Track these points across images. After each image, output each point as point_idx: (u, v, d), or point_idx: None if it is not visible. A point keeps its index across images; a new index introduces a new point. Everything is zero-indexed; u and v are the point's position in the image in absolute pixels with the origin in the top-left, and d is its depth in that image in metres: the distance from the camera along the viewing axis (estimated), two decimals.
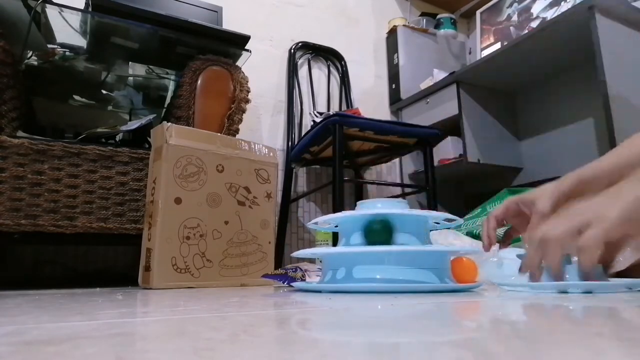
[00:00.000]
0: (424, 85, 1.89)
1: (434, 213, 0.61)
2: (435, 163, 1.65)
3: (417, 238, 0.60)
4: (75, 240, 1.27)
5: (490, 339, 0.24)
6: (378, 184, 1.86)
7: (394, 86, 2.02)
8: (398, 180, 1.97)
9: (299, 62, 1.90)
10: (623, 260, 0.57)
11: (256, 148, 1.04)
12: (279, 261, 1.52)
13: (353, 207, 0.68)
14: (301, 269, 0.80)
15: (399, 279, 0.56)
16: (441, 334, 0.26)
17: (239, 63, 1.23)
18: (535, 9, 1.63)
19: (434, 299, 0.46)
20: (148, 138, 1.07)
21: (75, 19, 1.14)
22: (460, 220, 0.64)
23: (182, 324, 0.31)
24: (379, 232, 0.58)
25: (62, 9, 1.08)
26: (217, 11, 1.51)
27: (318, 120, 1.60)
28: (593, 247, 0.44)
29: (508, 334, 0.26)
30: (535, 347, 0.21)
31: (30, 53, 1.14)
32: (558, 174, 0.78)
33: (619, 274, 0.60)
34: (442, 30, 2.10)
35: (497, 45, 1.76)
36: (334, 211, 1.25)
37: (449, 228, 0.74)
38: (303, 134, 1.64)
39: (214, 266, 0.91)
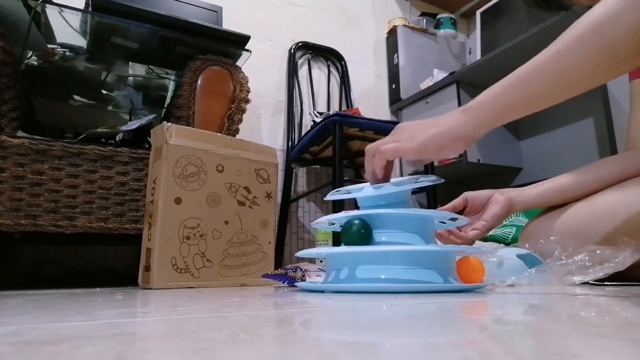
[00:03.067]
0: (424, 85, 1.89)
1: (439, 212, 0.61)
2: (435, 163, 1.65)
3: (422, 237, 0.60)
4: (75, 240, 1.27)
5: (492, 339, 0.24)
6: None
7: (394, 86, 2.02)
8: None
9: (299, 62, 1.90)
10: (622, 261, 0.57)
11: (256, 148, 1.04)
12: (279, 261, 1.52)
13: (354, 207, 0.68)
14: (301, 269, 0.80)
15: (403, 279, 0.55)
16: (444, 334, 0.26)
17: (239, 63, 1.23)
18: None
19: (438, 299, 0.46)
20: (148, 138, 1.07)
21: (75, 19, 1.14)
22: (465, 220, 0.64)
23: (182, 324, 0.31)
24: (356, 233, 0.58)
25: (62, 9, 1.08)
26: (217, 11, 1.51)
27: (318, 120, 1.60)
28: (387, 154, 0.57)
29: (509, 334, 0.26)
30: (535, 347, 0.21)
31: (30, 53, 1.14)
32: (558, 174, 0.78)
33: (619, 275, 0.60)
34: (442, 30, 2.10)
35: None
36: (334, 211, 1.25)
37: (455, 227, 0.74)
38: (303, 134, 1.64)
39: (214, 266, 0.91)
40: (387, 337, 0.24)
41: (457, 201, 0.70)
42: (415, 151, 0.56)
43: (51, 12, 1.10)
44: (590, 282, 0.61)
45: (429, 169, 1.47)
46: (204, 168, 0.93)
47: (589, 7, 0.51)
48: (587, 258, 0.60)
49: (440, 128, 0.57)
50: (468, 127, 0.56)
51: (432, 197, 1.46)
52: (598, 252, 0.59)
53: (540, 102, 0.55)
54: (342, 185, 1.28)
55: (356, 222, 0.58)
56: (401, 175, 1.97)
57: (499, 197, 0.72)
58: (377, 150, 0.58)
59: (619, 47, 0.49)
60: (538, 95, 0.55)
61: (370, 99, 2.04)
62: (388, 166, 0.60)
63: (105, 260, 1.41)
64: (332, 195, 0.67)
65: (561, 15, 1.40)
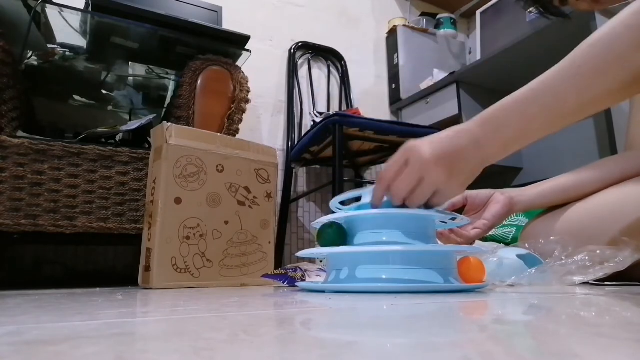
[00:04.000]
0: (424, 85, 1.89)
1: (440, 213, 0.61)
2: None
3: (423, 237, 0.59)
4: (75, 240, 1.27)
5: (492, 339, 0.24)
6: None
7: (394, 86, 2.02)
8: None
9: (299, 62, 1.90)
10: (622, 261, 0.58)
11: (256, 148, 1.04)
12: (279, 261, 1.52)
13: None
14: (301, 269, 0.80)
15: (403, 279, 0.55)
16: (444, 334, 0.26)
17: (239, 63, 1.23)
18: None
19: (438, 299, 0.46)
20: (148, 138, 1.07)
21: (75, 19, 1.14)
22: (466, 220, 0.64)
23: (182, 324, 0.31)
24: (330, 236, 0.59)
25: (62, 9, 1.08)
26: (217, 11, 1.51)
27: (318, 120, 1.60)
28: (420, 198, 0.54)
29: (509, 334, 0.26)
30: (535, 347, 0.21)
31: (30, 53, 1.14)
32: (558, 174, 0.78)
33: (619, 275, 0.60)
34: (442, 30, 2.10)
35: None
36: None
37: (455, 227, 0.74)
38: (303, 134, 1.64)
39: (214, 266, 0.91)
40: (387, 337, 0.24)
41: (457, 199, 0.69)
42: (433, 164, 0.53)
43: (51, 12, 1.10)
44: (590, 282, 0.61)
45: None
46: (204, 168, 0.93)
47: (588, 11, 0.50)
48: (587, 258, 0.60)
49: (447, 133, 0.55)
50: (477, 132, 0.54)
51: None
52: (598, 252, 0.59)
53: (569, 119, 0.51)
54: (342, 185, 1.28)
55: (330, 227, 0.60)
56: None
57: (499, 197, 0.72)
58: (411, 200, 0.54)
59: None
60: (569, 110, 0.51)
61: (370, 99, 2.03)
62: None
63: (105, 260, 1.41)
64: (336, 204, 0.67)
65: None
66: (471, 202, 0.74)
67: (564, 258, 0.62)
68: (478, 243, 0.92)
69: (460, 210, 0.76)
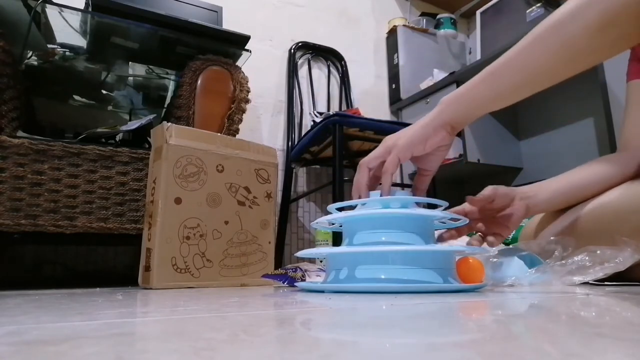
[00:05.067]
0: (424, 85, 1.89)
1: (439, 212, 0.61)
2: None
3: (422, 237, 0.59)
4: (75, 240, 1.27)
5: (492, 339, 0.24)
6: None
7: (394, 86, 2.02)
8: (398, 180, 1.97)
9: (299, 62, 1.90)
10: (623, 261, 0.58)
11: (256, 148, 1.04)
12: (279, 261, 1.52)
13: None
14: (301, 269, 0.80)
15: (403, 279, 0.55)
16: (444, 334, 0.26)
17: (239, 63, 1.23)
18: None
19: (438, 299, 0.46)
20: (148, 138, 1.07)
21: (75, 19, 1.14)
22: (465, 220, 0.64)
23: (182, 324, 0.31)
24: None
25: (62, 9, 1.08)
26: (217, 11, 1.51)
27: (318, 120, 1.60)
28: (390, 169, 0.60)
29: (509, 334, 0.26)
30: (535, 347, 0.21)
31: (30, 53, 1.14)
32: (558, 174, 0.78)
33: (619, 275, 0.60)
34: (442, 30, 2.10)
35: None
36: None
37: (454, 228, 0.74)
38: (303, 134, 1.64)
39: (214, 266, 0.91)
40: (387, 337, 0.24)
41: (487, 194, 0.67)
42: (404, 147, 0.60)
43: (51, 12, 1.10)
44: (590, 282, 0.61)
45: None
46: (204, 168, 0.93)
47: None
48: (587, 258, 0.60)
49: (422, 121, 0.62)
50: (446, 116, 0.61)
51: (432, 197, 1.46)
52: (598, 252, 0.59)
53: (508, 96, 0.59)
54: (342, 185, 1.28)
55: None
56: (401, 176, 1.97)
57: (519, 206, 0.70)
58: (384, 172, 0.61)
59: (578, 44, 0.52)
60: (506, 89, 0.58)
61: (370, 99, 2.03)
62: (386, 177, 0.62)
63: (105, 260, 1.41)
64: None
65: None
66: (497, 201, 0.70)
67: (564, 258, 0.62)
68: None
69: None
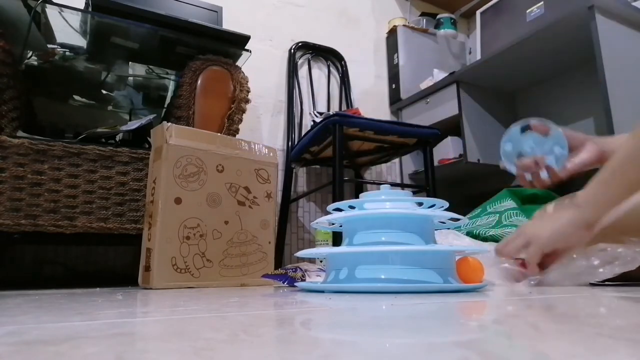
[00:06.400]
0: (424, 85, 1.89)
1: (439, 212, 0.61)
2: (435, 163, 1.65)
3: (422, 237, 0.59)
4: (75, 240, 1.27)
5: (492, 339, 0.24)
6: (378, 183, 1.86)
7: (394, 86, 2.02)
8: (398, 180, 1.97)
9: (299, 62, 1.90)
10: (631, 260, 0.57)
11: (256, 148, 1.04)
12: (279, 261, 1.52)
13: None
14: (301, 269, 0.80)
15: (403, 279, 0.55)
16: (444, 334, 0.26)
17: (239, 63, 1.23)
18: None
19: (438, 299, 0.46)
20: (148, 138, 1.07)
21: (75, 19, 1.14)
22: (465, 220, 0.64)
23: (182, 324, 0.31)
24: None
25: (62, 9, 1.08)
26: (217, 11, 1.51)
27: (318, 120, 1.59)
28: (533, 259, 0.66)
29: (509, 334, 0.26)
30: (535, 347, 0.21)
31: (30, 53, 1.14)
32: None
33: (626, 275, 0.59)
34: (442, 30, 2.10)
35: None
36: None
37: (454, 228, 0.74)
38: (303, 134, 1.64)
39: (214, 266, 0.91)
40: (387, 337, 0.24)
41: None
42: (548, 242, 0.66)
43: (51, 12, 1.10)
44: (593, 282, 0.61)
45: (428, 169, 1.47)
46: (204, 168, 0.93)
47: None
48: (594, 258, 0.60)
49: (563, 219, 0.67)
50: (588, 217, 0.65)
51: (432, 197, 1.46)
52: (609, 249, 0.60)
53: (637, 187, 0.63)
54: (342, 185, 1.28)
55: None
56: (401, 176, 1.97)
57: (591, 146, 0.78)
58: (527, 262, 0.66)
59: None
60: (636, 182, 0.63)
61: (370, 99, 2.03)
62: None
63: (105, 260, 1.41)
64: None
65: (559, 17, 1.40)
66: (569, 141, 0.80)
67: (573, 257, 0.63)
68: (477, 243, 0.92)
69: None
